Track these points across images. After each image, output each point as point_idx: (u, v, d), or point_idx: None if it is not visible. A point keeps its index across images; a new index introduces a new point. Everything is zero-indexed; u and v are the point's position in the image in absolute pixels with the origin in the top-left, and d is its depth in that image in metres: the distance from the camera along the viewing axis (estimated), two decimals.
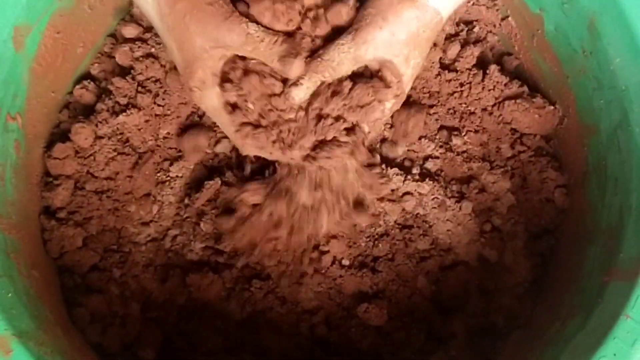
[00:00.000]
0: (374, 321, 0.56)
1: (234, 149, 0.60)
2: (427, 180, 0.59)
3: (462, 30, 0.65)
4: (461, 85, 0.62)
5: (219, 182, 0.59)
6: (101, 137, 0.59)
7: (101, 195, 0.59)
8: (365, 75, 0.51)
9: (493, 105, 0.62)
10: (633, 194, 0.50)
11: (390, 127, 0.61)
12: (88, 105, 0.61)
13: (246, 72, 0.50)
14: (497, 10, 0.65)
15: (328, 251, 0.57)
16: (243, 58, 0.50)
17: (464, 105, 0.62)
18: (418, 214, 0.59)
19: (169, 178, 0.60)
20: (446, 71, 0.63)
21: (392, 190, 0.59)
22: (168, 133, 0.61)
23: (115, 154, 0.59)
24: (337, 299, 0.57)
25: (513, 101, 0.61)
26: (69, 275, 0.56)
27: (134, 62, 0.62)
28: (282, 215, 0.55)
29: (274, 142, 0.51)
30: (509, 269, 0.58)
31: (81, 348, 0.51)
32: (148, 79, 0.62)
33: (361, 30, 0.49)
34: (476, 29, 0.65)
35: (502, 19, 0.65)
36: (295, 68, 0.47)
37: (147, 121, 0.60)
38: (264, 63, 0.49)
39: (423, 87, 0.62)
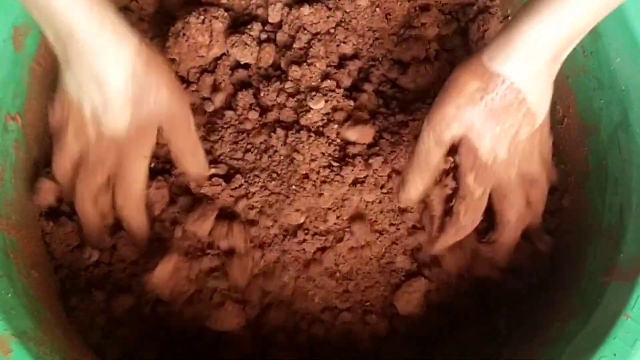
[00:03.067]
0: (378, 332, 0.56)
1: None
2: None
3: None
4: None
5: None
6: None
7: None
8: None
9: None
10: (633, 194, 0.50)
11: None
12: None
13: None
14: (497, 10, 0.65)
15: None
16: None
17: None
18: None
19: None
20: None
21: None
22: None
23: None
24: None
25: None
26: (69, 275, 0.56)
27: None
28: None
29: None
30: (509, 269, 0.58)
31: (81, 348, 0.51)
32: None
33: (431, 112, 0.48)
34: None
35: (502, 20, 0.65)
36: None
37: None
38: None
39: None
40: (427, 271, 0.57)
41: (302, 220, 0.56)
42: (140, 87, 0.48)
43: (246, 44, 0.60)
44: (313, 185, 0.57)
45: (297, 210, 0.56)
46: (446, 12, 0.66)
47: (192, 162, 0.55)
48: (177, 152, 0.54)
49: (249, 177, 0.57)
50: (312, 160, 0.57)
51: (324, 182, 0.57)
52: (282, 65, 0.61)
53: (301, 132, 0.58)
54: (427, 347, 0.56)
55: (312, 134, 0.58)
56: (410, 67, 0.63)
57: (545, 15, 0.44)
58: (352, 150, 0.58)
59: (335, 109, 0.59)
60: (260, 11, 0.63)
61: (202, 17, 0.60)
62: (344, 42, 0.62)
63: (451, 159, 0.52)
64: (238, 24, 0.63)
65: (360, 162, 0.57)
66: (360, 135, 0.58)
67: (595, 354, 0.43)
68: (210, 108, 0.61)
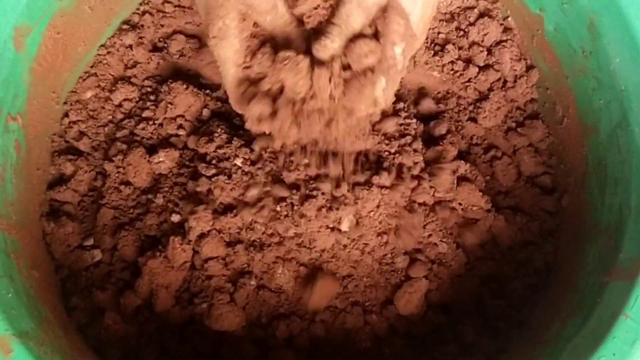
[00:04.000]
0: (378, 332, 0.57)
1: None
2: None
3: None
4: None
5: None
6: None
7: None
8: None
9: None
10: (633, 194, 0.50)
11: None
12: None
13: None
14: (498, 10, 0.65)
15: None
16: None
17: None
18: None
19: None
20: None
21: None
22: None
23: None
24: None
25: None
26: (69, 275, 0.56)
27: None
28: None
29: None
30: (509, 269, 0.58)
31: (81, 348, 0.52)
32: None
33: None
34: None
35: (502, 23, 0.65)
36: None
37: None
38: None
39: None
40: (428, 271, 0.57)
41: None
42: None
43: None
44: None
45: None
46: (447, 15, 0.66)
47: None
48: None
49: None
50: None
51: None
52: None
53: None
54: (427, 347, 0.56)
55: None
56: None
57: None
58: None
59: None
60: None
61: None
62: None
63: None
64: None
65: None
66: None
67: (595, 354, 0.43)
68: None
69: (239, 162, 0.56)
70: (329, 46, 0.48)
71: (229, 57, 0.50)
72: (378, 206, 0.56)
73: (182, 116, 0.61)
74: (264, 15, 0.48)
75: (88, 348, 0.53)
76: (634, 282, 0.45)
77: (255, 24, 0.50)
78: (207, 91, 0.62)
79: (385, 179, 0.56)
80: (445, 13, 0.66)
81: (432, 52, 0.65)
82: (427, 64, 0.65)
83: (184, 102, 0.60)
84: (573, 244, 0.57)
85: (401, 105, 0.60)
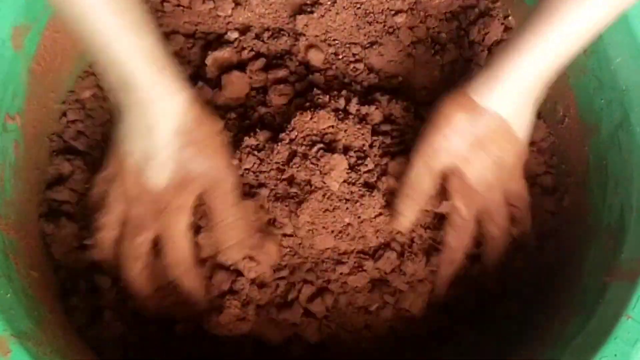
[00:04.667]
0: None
1: None
2: None
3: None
4: None
5: None
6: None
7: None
8: None
9: None
10: (634, 194, 0.50)
11: None
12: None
13: None
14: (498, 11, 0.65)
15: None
16: None
17: None
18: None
19: None
20: None
21: None
22: None
23: None
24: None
25: None
26: (69, 276, 0.56)
27: None
28: None
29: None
30: (510, 269, 0.58)
31: (80, 348, 0.51)
32: None
33: (420, 142, 0.51)
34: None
35: (502, 22, 0.65)
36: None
37: None
38: None
39: None
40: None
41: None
42: (186, 143, 0.48)
43: None
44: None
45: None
46: (447, 14, 0.66)
47: (226, 236, 0.53)
48: (215, 222, 0.52)
49: None
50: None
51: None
52: None
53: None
54: (427, 347, 0.56)
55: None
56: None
57: (525, 50, 0.47)
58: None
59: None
60: None
61: None
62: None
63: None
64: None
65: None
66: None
67: (596, 354, 0.42)
68: None
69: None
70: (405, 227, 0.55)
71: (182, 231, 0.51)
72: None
73: None
74: (229, 188, 0.51)
75: (87, 348, 0.53)
76: (636, 283, 0.45)
77: None
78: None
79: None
80: (446, 12, 0.66)
81: (433, 51, 0.64)
82: (427, 63, 0.65)
83: None
84: (574, 244, 0.57)
85: None
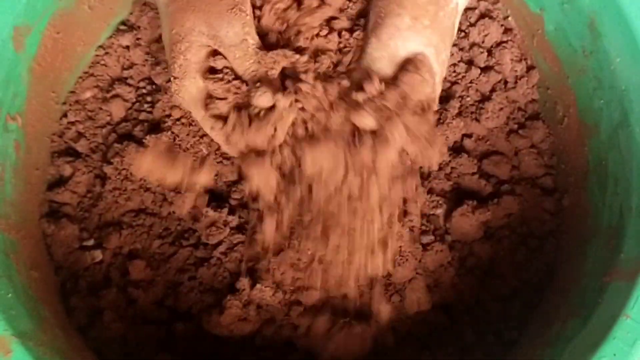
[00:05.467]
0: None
1: None
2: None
3: None
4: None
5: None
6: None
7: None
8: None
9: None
10: (634, 194, 0.50)
11: None
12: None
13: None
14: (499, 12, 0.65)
15: None
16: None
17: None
18: (432, 214, 0.59)
19: None
20: None
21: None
22: None
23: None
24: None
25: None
26: (69, 276, 0.56)
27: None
28: None
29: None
30: (510, 269, 0.58)
31: (81, 348, 0.52)
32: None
33: (382, 26, 0.46)
34: None
35: (502, 24, 0.65)
36: (263, 100, 0.46)
37: None
38: None
39: None
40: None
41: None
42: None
43: None
44: None
45: None
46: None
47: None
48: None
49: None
50: None
51: None
52: None
53: None
54: (427, 347, 0.56)
55: None
56: None
57: None
58: None
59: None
60: None
61: None
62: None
63: None
64: None
65: None
66: None
67: (595, 354, 0.43)
68: None
69: None
70: (367, 119, 0.46)
71: (195, 99, 0.47)
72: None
73: (179, 119, 0.60)
74: (230, 50, 0.45)
75: (87, 348, 0.53)
76: (635, 283, 0.45)
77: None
78: None
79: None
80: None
81: None
82: None
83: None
84: (573, 244, 0.57)
85: None
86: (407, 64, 0.47)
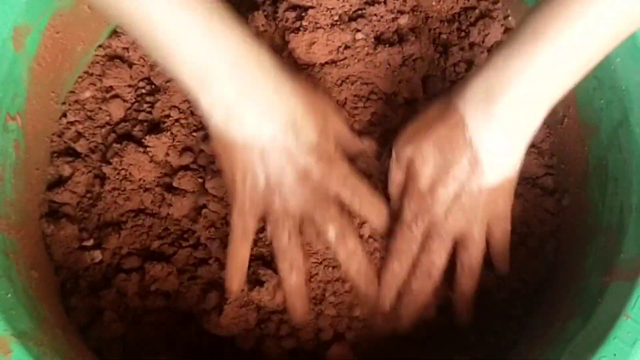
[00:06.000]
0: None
1: None
2: None
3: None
4: None
5: None
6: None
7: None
8: None
9: None
10: (634, 194, 0.50)
11: None
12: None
13: None
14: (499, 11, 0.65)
15: None
16: None
17: None
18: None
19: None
20: None
21: None
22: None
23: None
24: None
25: None
26: (69, 276, 0.56)
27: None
28: None
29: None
30: (510, 269, 0.58)
31: (81, 348, 0.51)
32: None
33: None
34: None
35: (502, 23, 0.65)
36: None
37: None
38: None
39: None
40: None
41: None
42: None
43: None
44: None
45: None
46: (448, 16, 0.66)
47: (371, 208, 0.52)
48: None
49: None
50: None
51: None
52: None
53: None
54: (428, 347, 0.56)
55: None
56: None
57: (519, 67, 0.45)
58: None
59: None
60: None
61: None
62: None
63: None
64: None
65: None
66: None
67: (596, 354, 0.43)
68: None
69: None
70: None
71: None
72: None
73: (178, 120, 0.60)
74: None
75: (87, 348, 0.53)
76: (635, 283, 0.45)
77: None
78: None
79: None
80: (447, 14, 0.66)
81: (438, 54, 0.64)
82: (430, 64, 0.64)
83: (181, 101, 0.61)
84: (574, 244, 0.57)
85: None
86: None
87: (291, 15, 0.61)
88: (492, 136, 0.47)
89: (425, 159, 0.49)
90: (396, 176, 0.52)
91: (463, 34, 0.65)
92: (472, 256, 0.51)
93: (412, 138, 0.50)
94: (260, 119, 0.45)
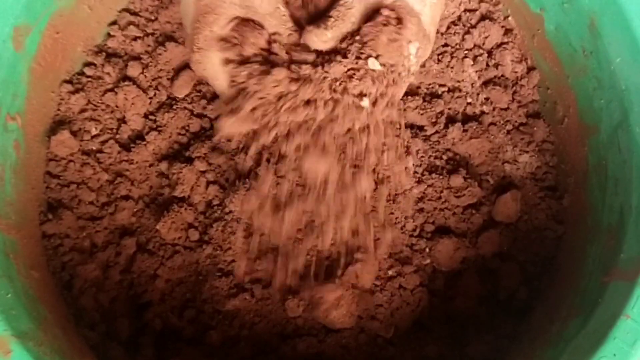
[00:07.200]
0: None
1: None
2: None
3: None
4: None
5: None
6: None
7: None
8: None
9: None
10: (634, 194, 0.50)
11: None
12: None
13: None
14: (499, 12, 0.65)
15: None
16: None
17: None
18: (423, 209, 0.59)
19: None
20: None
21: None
22: None
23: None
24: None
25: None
26: (69, 276, 0.56)
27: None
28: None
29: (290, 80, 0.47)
30: (510, 269, 0.58)
31: (81, 348, 0.51)
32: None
33: None
34: None
35: (502, 25, 0.65)
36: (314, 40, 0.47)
37: None
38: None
39: None
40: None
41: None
42: None
43: None
44: None
45: None
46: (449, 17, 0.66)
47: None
48: None
49: None
50: None
51: None
52: None
53: None
54: (427, 346, 0.56)
55: None
56: None
57: None
58: None
59: None
60: None
61: None
62: None
63: None
64: None
65: None
66: None
67: (595, 354, 0.43)
68: None
69: None
70: (323, 35, 0.46)
71: (216, 68, 0.48)
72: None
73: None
74: (267, 18, 0.47)
75: (87, 348, 0.53)
76: (635, 283, 0.45)
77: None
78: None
79: None
80: (447, 16, 0.66)
81: (436, 56, 0.64)
82: (430, 65, 0.64)
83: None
84: (574, 244, 0.57)
85: None
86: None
87: None
88: None
89: None
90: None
91: (463, 36, 0.65)
92: None
93: None
94: None
